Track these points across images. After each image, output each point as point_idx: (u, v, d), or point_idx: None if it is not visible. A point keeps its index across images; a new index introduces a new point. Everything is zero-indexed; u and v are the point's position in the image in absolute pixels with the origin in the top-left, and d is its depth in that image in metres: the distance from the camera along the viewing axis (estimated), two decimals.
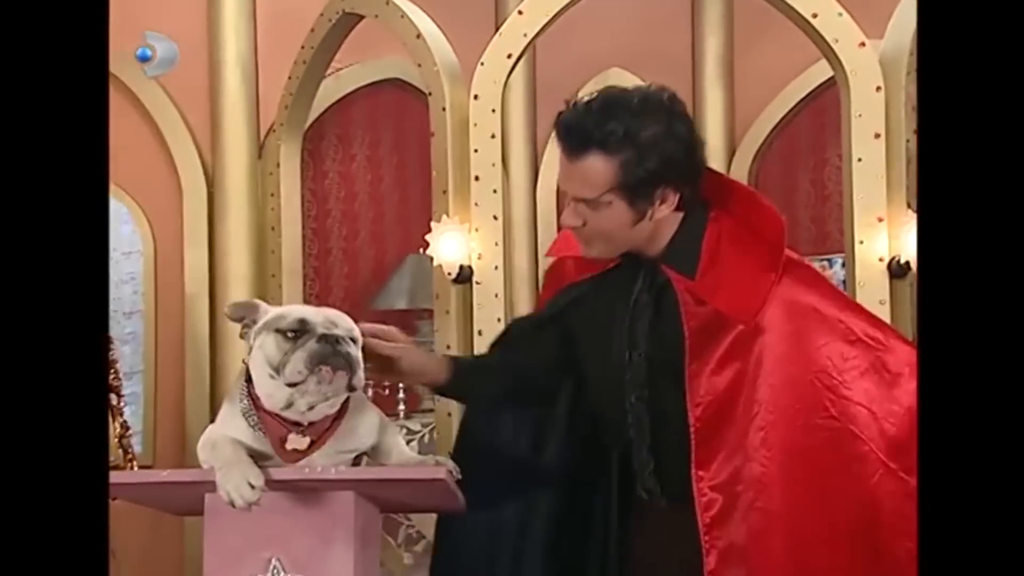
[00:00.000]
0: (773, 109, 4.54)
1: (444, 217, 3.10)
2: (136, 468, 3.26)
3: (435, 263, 3.12)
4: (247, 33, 4.00)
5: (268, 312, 1.49)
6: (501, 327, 3.13)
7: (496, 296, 3.12)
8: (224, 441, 1.49)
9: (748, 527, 1.36)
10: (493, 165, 3.13)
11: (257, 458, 1.47)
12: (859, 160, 2.92)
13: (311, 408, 1.44)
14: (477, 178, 3.11)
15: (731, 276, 1.39)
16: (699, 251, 1.42)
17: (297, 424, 1.47)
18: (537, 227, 4.62)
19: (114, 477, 1.46)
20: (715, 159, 4.65)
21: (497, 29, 3.32)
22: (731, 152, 4.68)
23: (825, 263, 4.33)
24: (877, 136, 2.91)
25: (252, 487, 1.42)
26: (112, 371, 3.29)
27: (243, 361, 1.54)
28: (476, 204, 3.11)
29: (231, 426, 1.49)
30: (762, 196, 1.52)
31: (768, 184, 4.68)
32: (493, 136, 3.12)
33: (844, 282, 3.39)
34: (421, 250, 4.30)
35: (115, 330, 3.97)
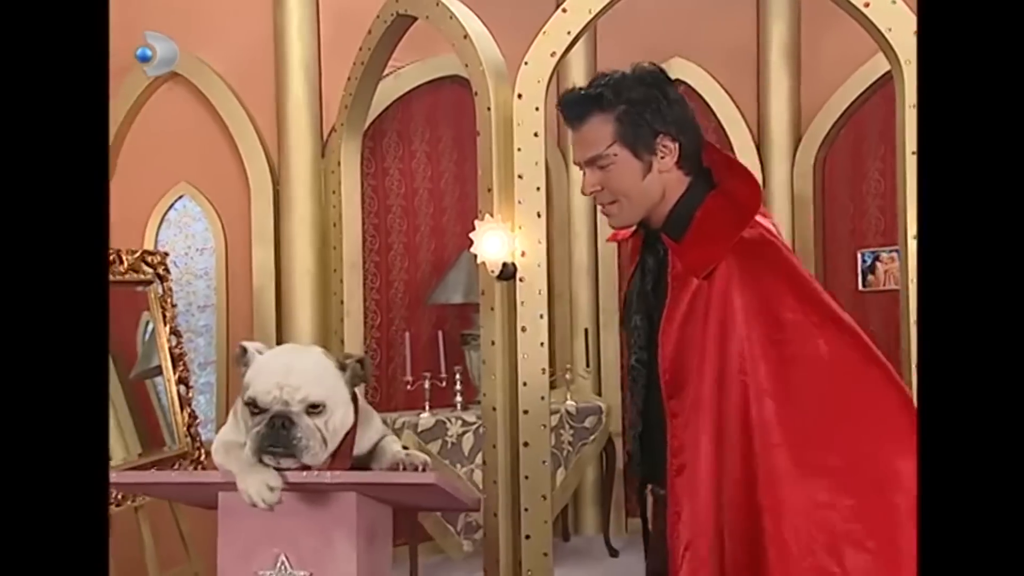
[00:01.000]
0: (840, 97, 4.38)
1: (488, 215, 3.14)
2: (203, 456, 3.44)
3: (479, 260, 3.16)
4: (311, 37, 4.13)
5: (254, 363, 1.57)
6: (544, 323, 3.17)
7: (539, 293, 3.15)
8: (238, 446, 1.59)
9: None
10: (536, 163, 3.14)
11: None
12: (912, 153, 2.80)
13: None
14: (521, 176, 3.14)
15: (704, 239, 1.49)
16: (691, 219, 1.51)
17: None
18: (596, 219, 4.62)
19: (132, 477, 1.57)
20: (780, 148, 4.54)
21: None
22: (796, 141, 4.55)
23: (894, 254, 4.17)
24: None
25: (271, 489, 1.51)
26: (181, 363, 3.47)
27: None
28: (520, 202, 3.14)
29: (232, 430, 1.59)
30: (750, 172, 1.58)
31: (835, 174, 4.53)
32: (536, 134, 3.14)
33: None
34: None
35: (190, 323, 4.20)
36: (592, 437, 4.24)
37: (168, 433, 3.43)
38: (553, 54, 3.15)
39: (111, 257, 3.26)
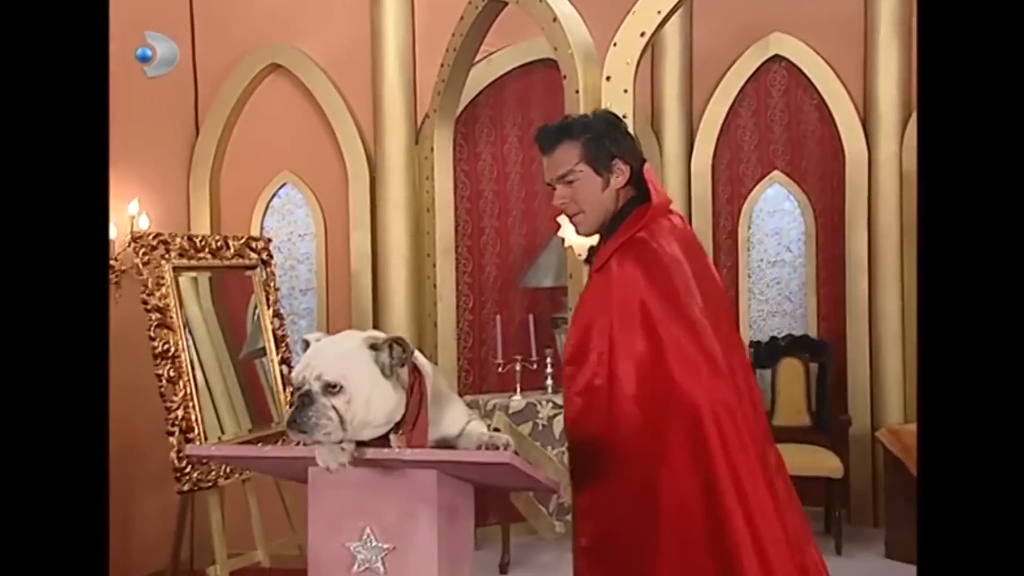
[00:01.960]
0: None
1: None
2: None
3: (566, 244, 3.17)
4: (405, 26, 4.21)
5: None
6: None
7: None
8: None
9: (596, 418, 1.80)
10: None
11: None
12: None
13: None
14: None
15: (611, 240, 1.83)
16: (617, 228, 1.85)
17: None
18: (691, 201, 4.55)
19: (227, 450, 1.65)
20: (888, 124, 4.34)
21: None
22: (907, 115, 4.33)
23: None
24: None
25: (343, 450, 1.61)
26: (284, 344, 3.63)
27: None
28: None
29: None
30: (654, 181, 1.90)
31: None
32: (625, 116, 3.10)
33: None
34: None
35: (293, 306, 4.38)
36: None
37: (276, 410, 3.59)
38: (643, 34, 3.11)
39: (219, 243, 3.43)
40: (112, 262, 3.80)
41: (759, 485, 1.69)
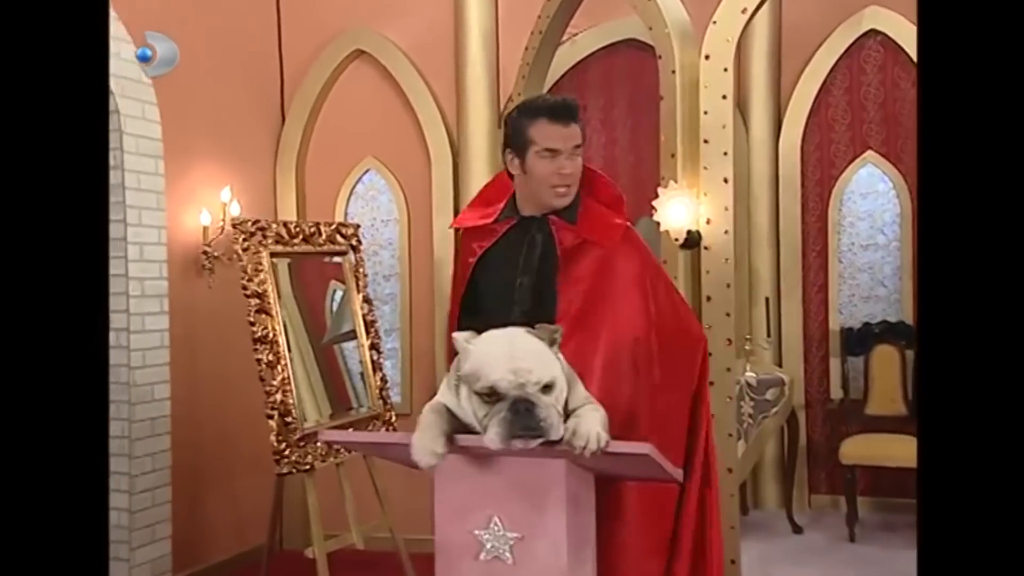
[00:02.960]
0: None
1: (671, 182, 3.08)
2: (394, 417, 3.62)
3: (662, 228, 3.11)
4: (489, 9, 4.17)
5: (471, 354, 1.61)
6: (731, 293, 3.09)
7: (726, 261, 3.06)
8: (430, 408, 1.67)
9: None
10: (724, 127, 3.04)
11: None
12: None
13: None
14: (707, 141, 3.05)
15: (596, 222, 2.07)
16: (577, 210, 2.07)
17: None
18: (779, 183, 4.43)
19: (363, 436, 1.65)
20: None
21: None
22: None
23: None
24: None
25: (435, 453, 1.59)
26: (372, 330, 3.65)
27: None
28: (705, 168, 3.05)
29: (446, 396, 1.65)
30: (606, 176, 2.14)
31: None
32: (724, 97, 3.03)
33: None
34: (652, 213, 4.31)
35: (376, 292, 4.40)
36: (774, 410, 4.10)
37: (354, 396, 3.60)
38: (744, 11, 3.01)
39: (312, 229, 3.46)
40: (206, 248, 3.87)
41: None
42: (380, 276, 4.43)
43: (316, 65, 4.33)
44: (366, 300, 3.67)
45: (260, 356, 3.12)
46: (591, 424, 1.57)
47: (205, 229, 3.87)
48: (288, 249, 3.34)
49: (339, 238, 3.59)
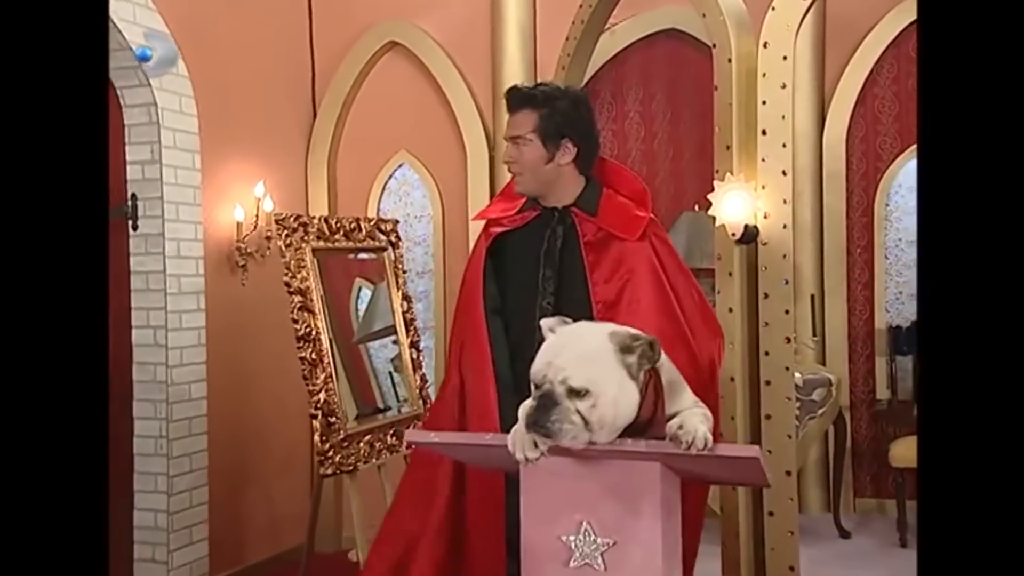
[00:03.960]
0: None
1: (728, 174, 2.97)
2: None
3: (718, 223, 3.00)
4: (526, 1, 4.08)
5: (545, 342, 1.59)
6: (789, 289, 2.98)
7: (784, 257, 2.95)
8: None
9: None
10: (783, 117, 2.93)
11: None
12: None
13: None
14: (764, 132, 2.93)
15: (618, 214, 2.13)
16: (598, 203, 2.15)
17: None
18: (823, 177, 4.32)
19: (448, 437, 1.57)
20: None
21: None
22: None
23: None
24: None
25: (536, 445, 1.53)
26: (412, 328, 3.56)
27: None
28: (763, 160, 2.94)
29: None
30: (630, 171, 2.25)
31: None
32: (784, 86, 2.91)
33: None
34: (696, 207, 4.21)
35: (410, 289, 4.30)
36: (821, 411, 3.99)
37: (380, 396, 3.47)
38: None
39: (352, 225, 3.37)
40: (239, 244, 3.78)
41: None
42: (413, 273, 4.33)
43: (349, 57, 4.24)
44: (405, 297, 3.57)
45: (303, 354, 3.03)
46: (697, 422, 1.48)
47: (239, 225, 3.79)
48: (329, 245, 3.24)
49: (378, 234, 3.50)
